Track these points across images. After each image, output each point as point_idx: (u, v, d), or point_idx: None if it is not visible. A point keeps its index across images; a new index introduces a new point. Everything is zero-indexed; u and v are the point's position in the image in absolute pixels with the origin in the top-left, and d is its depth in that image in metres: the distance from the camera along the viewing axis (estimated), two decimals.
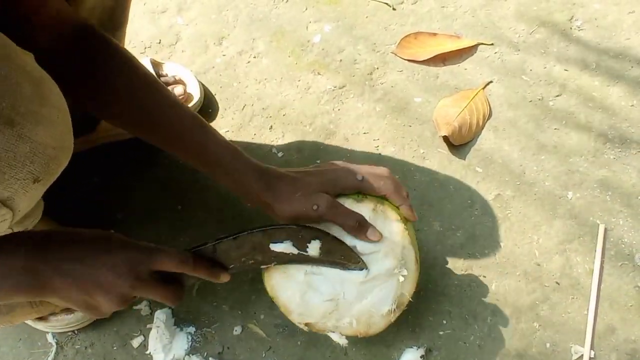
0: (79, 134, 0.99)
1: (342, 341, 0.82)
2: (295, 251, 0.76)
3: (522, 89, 1.10)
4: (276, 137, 1.06)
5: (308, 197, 0.76)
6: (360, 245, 0.77)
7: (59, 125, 0.56)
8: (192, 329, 0.91)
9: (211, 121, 1.07)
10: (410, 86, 1.11)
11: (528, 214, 1.00)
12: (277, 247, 0.76)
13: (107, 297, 0.68)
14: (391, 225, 0.78)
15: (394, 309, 0.79)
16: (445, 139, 1.04)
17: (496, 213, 1.00)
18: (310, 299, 0.79)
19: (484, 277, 0.95)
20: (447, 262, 0.96)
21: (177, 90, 1.03)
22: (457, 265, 0.96)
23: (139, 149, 1.03)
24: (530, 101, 1.09)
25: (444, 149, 1.05)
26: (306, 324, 0.80)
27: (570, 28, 1.17)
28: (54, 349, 0.90)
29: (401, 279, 0.78)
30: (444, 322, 0.92)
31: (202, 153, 0.79)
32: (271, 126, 1.06)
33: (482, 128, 1.07)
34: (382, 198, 0.80)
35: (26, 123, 0.51)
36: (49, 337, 0.91)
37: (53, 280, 0.66)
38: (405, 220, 0.80)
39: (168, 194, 1.01)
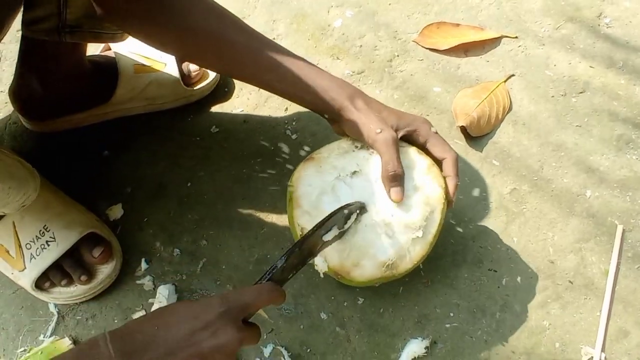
0: (92, 105, 1.00)
1: (322, 267, 0.80)
2: (337, 232, 0.78)
3: (544, 84, 1.09)
4: (291, 119, 1.06)
5: (378, 121, 0.80)
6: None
7: None
8: None
9: (226, 101, 1.07)
10: (430, 75, 1.10)
11: (544, 210, 0.98)
12: (328, 237, 0.77)
13: None
14: (434, 188, 0.81)
15: (388, 265, 0.79)
16: (463, 129, 1.03)
17: (511, 207, 0.98)
18: (323, 203, 0.80)
19: (495, 271, 0.94)
20: (457, 253, 0.95)
21: (193, 66, 1.04)
22: (467, 258, 0.95)
23: (151, 124, 1.04)
24: (553, 96, 1.08)
25: (461, 140, 1.04)
26: (302, 229, 0.79)
27: (599, 25, 1.16)
28: (55, 318, 0.91)
29: (415, 236, 0.79)
30: (451, 314, 0.91)
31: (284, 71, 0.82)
32: (286, 108, 1.06)
33: (502, 121, 1.05)
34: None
35: None
36: (51, 307, 0.91)
37: None
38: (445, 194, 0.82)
39: (178, 171, 1.01)
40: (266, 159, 1.02)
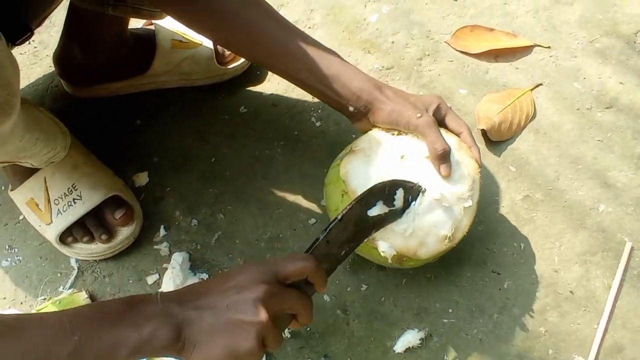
0: (129, 75, 1.06)
1: (389, 252, 0.82)
2: (386, 209, 0.80)
3: (571, 96, 1.11)
4: (317, 107, 1.10)
5: (413, 107, 0.85)
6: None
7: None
8: (205, 276, 0.96)
9: (258, 84, 1.12)
10: (458, 77, 1.13)
11: (555, 219, 1.00)
12: (373, 212, 0.79)
13: (250, 335, 0.65)
14: (469, 162, 0.86)
15: (450, 236, 0.83)
16: (483, 133, 1.06)
17: (522, 213, 1.01)
18: None
19: (498, 274, 0.97)
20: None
21: None
22: (472, 257, 0.98)
23: (183, 99, 1.10)
24: (578, 109, 1.09)
25: (481, 143, 1.06)
26: None
27: (635, 42, 1.16)
28: (74, 272, 0.97)
29: (467, 204, 0.84)
30: (450, 310, 0.94)
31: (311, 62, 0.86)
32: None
33: (523, 128, 1.08)
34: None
35: None
36: (72, 262, 0.98)
37: (192, 330, 0.64)
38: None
39: (204, 146, 1.06)
40: (289, 143, 1.06)
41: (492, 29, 1.16)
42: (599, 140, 1.07)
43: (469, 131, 0.88)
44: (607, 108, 1.10)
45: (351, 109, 0.87)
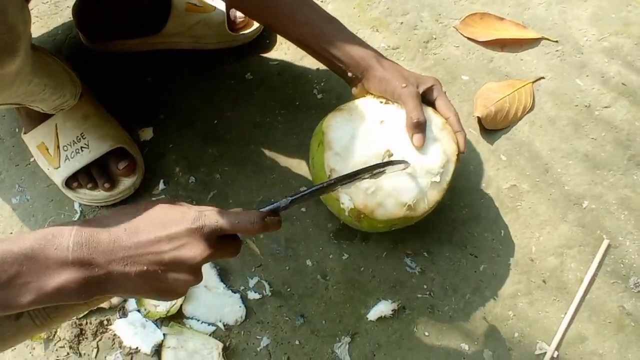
0: (144, 34, 1.11)
1: (348, 205, 0.87)
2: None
3: (572, 92, 1.13)
4: (321, 79, 1.14)
5: (402, 78, 0.90)
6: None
7: None
8: None
9: (266, 52, 1.17)
10: (462, 63, 1.16)
11: (538, 210, 1.05)
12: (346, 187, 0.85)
13: (179, 275, 0.65)
14: (449, 142, 0.90)
15: (409, 205, 0.87)
16: (479, 120, 1.10)
17: (506, 202, 1.05)
18: (354, 146, 0.89)
19: (476, 257, 1.01)
20: (446, 236, 1.03)
21: (240, 13, 1.13)
22: (453, 239, 1.03)
23: (194, 61, 1.15)
24: (576, 105, 1.12)
25: (475, 130, 1.10)
26: (331, 170, 0.87)
27: None
28: (77, 215, 1.04)
29: (434, 179, 0.88)
30: (425, 286, 0.99)
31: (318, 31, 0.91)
32: (318, 68, 1.14)
33: (519, 119, 1.11)
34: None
35: None
36: (75, 205, 1.05)
37: (111, 273, 0.62)
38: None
39: (208, 108, 1.12)
40: (290, 112, 1.11)
41: (502, 18, 1.19)
42: (592, 138, 1.10)
43: (456, 116, 0.92)
44: (606, 107, 1.12)
45: (350, 74, 0.93)
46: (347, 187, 0.87)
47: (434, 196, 0.89)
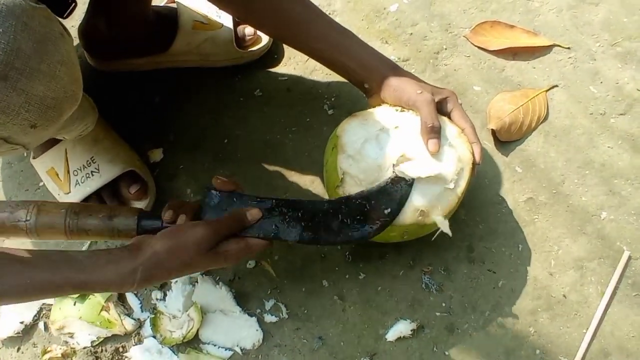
0: (151, 52, 1.08)
1: None
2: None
3: (586, 99, 1.10)
4: (332, 94, 1.11)
5: (418, 86, 0.89)
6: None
7: (61, 79, 0.65)
8: None
9: (274, 67, 1.14)
10: (474, 73, 1.13)
11: (555, 223, 1.02)
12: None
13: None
14: (464, 150, 0.88)
15: (422, 211, 0.85)
16: (493, 132, 1.07)
17: (523, 215, 1.02)
18: (367, 150, 0.87)
19: (494, 273, 0.99)
20: (465, 250, 1.00)
21: (248, 30, 1.10)
22: (470, 255, 1.00)
23: (202, 79, 1.12)
24: (591, 114, 1.09)
25: (490, 142, 1.07)
26: (344, 173, 0.86)
27: None
28: (87, 242, 1.02)
29: (448, 186, 0.85)
30: (443, 304, 0.97)
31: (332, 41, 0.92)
32: (329, 84, 1.11)
33: (534, 130, 1.08)
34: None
35: (21, 77, 0.60)
36: None
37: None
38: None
39: (218, 126, 1.09)
40: (301, 129, 1.09)
41: (512, 26, 1.15)
42: (609, 147, 1.07)
43: (472, 128, 0.90)
44: (621, 114, 1.09)
45: (366, 85, 0.92)
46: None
47: (447, 203, 0.86)
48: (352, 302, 0.97)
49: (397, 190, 0.84)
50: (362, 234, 0.84)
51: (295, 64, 1.14)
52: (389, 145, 0.88)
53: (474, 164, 0.88)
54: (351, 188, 0.86)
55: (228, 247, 0.81)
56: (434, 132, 0.86)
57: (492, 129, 1.06)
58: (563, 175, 1.05)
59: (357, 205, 0.84)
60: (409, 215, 0.85)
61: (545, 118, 1.09)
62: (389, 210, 0.84)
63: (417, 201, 0.85)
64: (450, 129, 0.89)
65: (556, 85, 1.11)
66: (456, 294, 0.98)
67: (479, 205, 1.03)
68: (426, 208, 0.85)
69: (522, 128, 1.07)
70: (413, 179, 0.84)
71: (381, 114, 0.90)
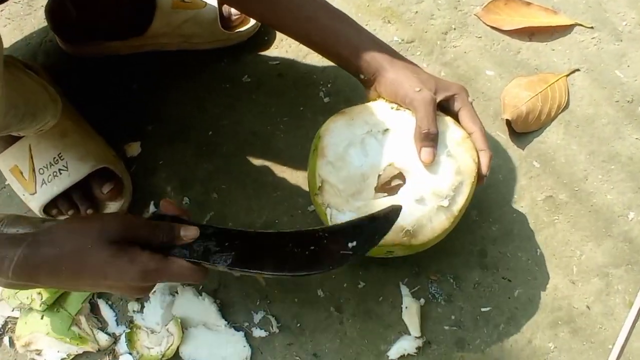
0: (127, 35, 0.97)
1: (335, 222, 0.75)
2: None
3: (611, 85, 0.98)
4: (327, 80, 1.00)
5: (418, 81, 0.77)
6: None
7: None
8: None
9: (265, 50, 1.02)
10: (486, 56, 1.01)
11: (578, 224, 0.91)
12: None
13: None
14: (466, 160, 0.77)
15: (408, 231, 0.74)
16: (508, 123, 0.95)
17: (542, 215, 0.91)
18: (350, 155, 0.77)
19: (509, 281, 0.88)
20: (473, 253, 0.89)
21: (235, 10, 0.99)
22: (483, 261, 0.89)
23: (184, 63, 1.01)
24: (617, 101, 0.97)
25: (504, 134, 0.96)
26: (322, 182, 0.76)
27: None
28: None
29: (442, 203, 0.75)
30: (453, 317, 0.87)
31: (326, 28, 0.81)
32: (324, 68, 1.00)
33: (553, 119, 0.96)
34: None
35: None
36: None
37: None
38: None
39: (201, 116, 0.98)
40: (293, 119, 0.98)
41: (529, 3, 1.03)
42: (636, 139, 0.95)
43: (482, 132, 0.79)
44: None
45: (362, 76, 0.81)
46: (334, 199, 0.76)
47: (440, 223, 0.75)
48: (350, 315, 0.87)
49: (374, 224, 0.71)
50: (311, 269, 0.70)
51: (287, 46, 1.02)
52: (375, 152, 0.78)
53: (479, 176, 0.77)
54: (330, 198, 0.76)
55: (140, 255, 0.66)
56: (429, 139, 0.76)
57: (506, 119, 0.94)
58: (586, 171, 0.94)
59: (314, 237, 0.71)
60: (392, 234, 0.73)
61: (566, 106, 0.97)
62: (354, 244, 0.69)
63: (402, 219, 0.73)
64: (452, 134, 0.78)
65: (578, 69, 1.00)
66: (467, 304, 0.87)
67: (493, 204, 0.92)
68: (413, 228, 0.74)
69: (540, 117, 0.95)
70: (400, 207, 0.72)
71: (372, 112, 0.80)
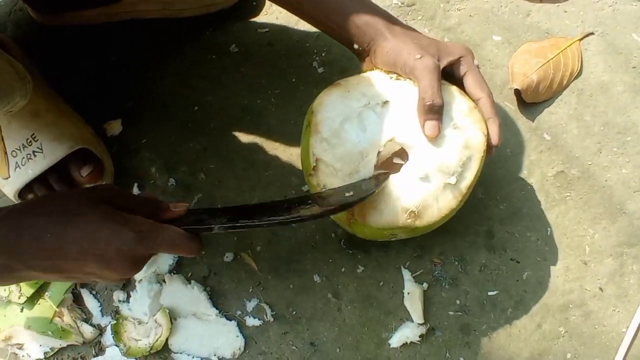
0: (103, 2, 0.90)
1: None
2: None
3: (627, 50, 0.91)
4: (321, 49, 0.93)
5: (418, 48, 0.71)
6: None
7: None
8: None
9: (253, 17, 0.95)
10: (492, 20, 0.94)
11: (590, 201, 0.85)
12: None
13: (104, 280, 0.65)
14: (475, 132, 0.71)
15: (412, 212, 0.68)
16: (517, 92, 0.89)
17: (553, 192, 0.85)
18: (346, 131, 0.71)
19: (517, 262, 0.83)
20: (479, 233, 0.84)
21: None
22: (490, 242, 0.84)
23: (166, 32, 0.94)
24: (634, 67, 0.90)
25: (512, 104, 0.89)
26: (317, 160, 0.70)
27: None
28: None
29: (449, 180, 0.69)
30: (458, 302, 0.82)
31: None
32: (318, 35, 0.93)
33: (565, 88, 0.89)
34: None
35: None
36: None
37: (29, 273, 0.61)
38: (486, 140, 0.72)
39: (186, 91, 0.92)
40: (285, 92, 0.91)
41: None
42: None
43: (489, 98, 0.73)
44: None
45: (356, 46, 0.75)
46: (332, 187, 0.70)
47: (447, 202, 0.70)
48: (349, 301, 0.82)
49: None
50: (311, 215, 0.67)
51: (278, 12, 0.95)
52: (374, 127, 0.72)
53: (489, 146, 0.72)
54: (326, 178, 0.70)
55: (132, 217, 0.62)
56: (434, 112, 0.70)
57: (515, 89, 0.88)
58: (600, 143, 0.87)
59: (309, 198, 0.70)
60: (396, 216, 0.68)
61: (579, 74, 0.90)
62: (351, 193, 0.67)
63: (406, 199, 0.68)
64: (459, 104, 0.72)
65: (592, 33, 0.92)
66: (473, 288, 0.82)
67: (500, 181, 0.86)
68: (417, 208, 0.69)
69: (551, 86, 0.88)
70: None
71: (370, 82, 0.73)
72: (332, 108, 0.72)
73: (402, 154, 0.72)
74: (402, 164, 0.71)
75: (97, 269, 0.61)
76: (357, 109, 0.72)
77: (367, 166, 0.70)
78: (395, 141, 0.71)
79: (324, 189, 0.70)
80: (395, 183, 0.70)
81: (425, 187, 0.69)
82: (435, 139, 0.70)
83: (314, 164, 0.70)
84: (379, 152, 0.71)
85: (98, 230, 0.59)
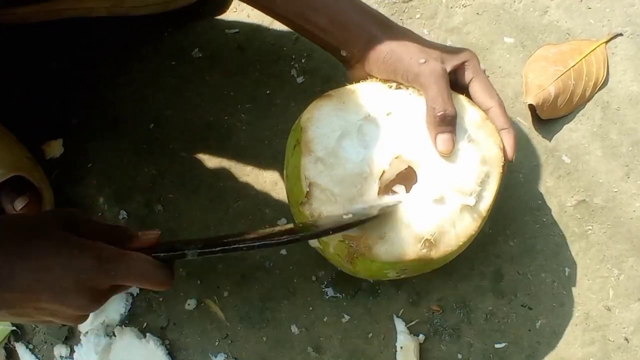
0: None
1: (315, 244, 0.68)
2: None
3: None
4: (300, 54, 0.87)
5: (420, 51, 0.68)
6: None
7: None
8: (134, 290, 0.79)
9: (219, 14, 0.89)
10: (504, 18, 0.87)
11: (616, 236, 0.79)
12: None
13: (60, 320, 0.59)
14: (491, 147, 0.67)
15: (427, 240, 0.63)
16: (531, 107, 0.82)
17: (572, 225, 0.80)
18: (345, 150, 0.66)
19: (530, 309, 0.77)
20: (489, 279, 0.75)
21: None
22: (497, 285, 0.78)
23: (116, 35, 0.88)
24: None
25: (526, 120, 0.83)
26: (310, 185, 0.65)
27: None
28: None
29: (467, 202, 0.64)
30: (460, 356, 0.76)
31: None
32: (297, 38, 0.87)
33: (588, 101, 0.83)
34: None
35: None
36: None
37: None
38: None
39: (141, 104, 0.87)
40: (258, 105, 0.86)
41: None
42: None
43: (501, 107, 0.69)
44: None
45: (344, 53, 0.71)
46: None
47: (465, 227, 0.65)
48: (332, 356, 0.76)
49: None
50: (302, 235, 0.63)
51: (249, 10, 0.89)
52: (377, 143, 0.67)
53: (505, 161, 0.68)
54: (322, 206, 0.64)
55: (95, 242, 0.56)
56: (446, 123, 0.66)
57: (530, 104, 0.79)
58: (628, 167, 0.81)
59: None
60: (408, 246, 0.63)
61: (604, 83, 0.84)
62: (350, 215, 0.62)
63: (419, 226, 0.63)
64: (470, 114, 0.68)
65: (620, 34, 0.86)
66: (477, 340, 0.76)
67: (510, 212, 0.80)
68: (433, 236, 0.63)
69: (572, 99, 0.80)
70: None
71: (366, 93, 0.69)
72: (325, 123, 0.67)
73: (410, 174, 0.67)
74: (409, 185, 0.66)
75: (51, 302, 0.55)
76: (356, 123, 0.67)
77: (371, 190, 0.65)
78: (403, 159, 0.67)
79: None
80: (405, 206, 0.64)
81: (440, 211, 0.65)
82: (449, 154, 0.66)
83: (307, 190, 0.64)
84: (383, 172, 0.66)
85: (54, 256, 0.54)
